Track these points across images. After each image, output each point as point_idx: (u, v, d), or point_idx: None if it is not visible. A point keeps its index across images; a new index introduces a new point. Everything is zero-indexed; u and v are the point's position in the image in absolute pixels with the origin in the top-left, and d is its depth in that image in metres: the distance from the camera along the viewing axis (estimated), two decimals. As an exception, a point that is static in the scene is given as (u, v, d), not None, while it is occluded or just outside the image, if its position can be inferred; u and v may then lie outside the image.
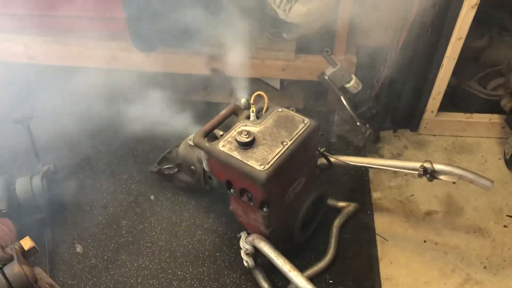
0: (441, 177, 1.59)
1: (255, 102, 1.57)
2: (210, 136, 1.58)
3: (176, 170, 1.92)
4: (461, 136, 2.20)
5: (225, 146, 1.44)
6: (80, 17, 2.08)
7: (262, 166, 1.36)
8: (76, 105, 2.24)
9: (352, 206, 1.90)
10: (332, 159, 1.72)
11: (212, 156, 1.46)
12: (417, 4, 1.83)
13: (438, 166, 1.59)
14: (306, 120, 1.51)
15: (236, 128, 1.49)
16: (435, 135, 2.22)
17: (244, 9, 1.92)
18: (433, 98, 2.07)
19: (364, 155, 2.15)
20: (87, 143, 2.19)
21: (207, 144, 1.47)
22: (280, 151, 1.41)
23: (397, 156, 2.14)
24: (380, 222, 1.87)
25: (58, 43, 2.18)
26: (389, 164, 1.67)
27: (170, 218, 1.90)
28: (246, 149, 1.42)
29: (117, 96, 2.17)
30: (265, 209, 1.44)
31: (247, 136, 1.43)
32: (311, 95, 2.41)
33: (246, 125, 1.51)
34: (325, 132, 2.23)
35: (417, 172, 1.59)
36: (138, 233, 1.85)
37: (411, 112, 2.18)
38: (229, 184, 1.49)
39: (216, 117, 1.57)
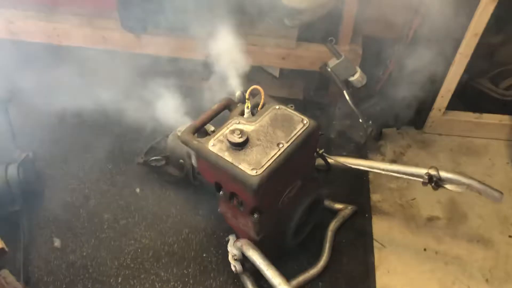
0: (447, 186, 1.48)
1: (251, 96, 1.44)
2: (201, 131, 1.46)
3: (163, 162, 1.80)
4: (468, 137, 2.08)
5: (215, 145, 1.32)
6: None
7: (255, 171, 1.24)
8: (60, 89, 2.09)
9: (349, 208, 1.79)
10: (330, 161, 1.61)
11: (201, 156, 1.34)
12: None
13: (444, 174, 1.47)
14: (305, 120, 1.38)
15: (228, 126, 1.36)
16: (440, 135, 2.09)
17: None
18: (442, 96, 1.94)
19: (365, 153, 2.03)
20: (71, 130, 2.05)
21: (196, 143, 1.34)
22: (275, 154, 1.29)
23: (399, 156, 2.02)
24: (379, 227, 1.77)
25: (43, 19, 2.01)
26: (392, 168, 1.55)
27: (156, 214, 1.79)
28: (238, 150, 1.30)
29: (105, 80, 2.02)
30: (256, 215, 1.33)
31: (240, 135, 1.30)
32: (312, 85, 2.27)
33: (239, 123, 1.38)
34: (324, 127, 2.11)
35: (421, 180, 1.48)
36: (121, 229, 1.74)
37: (417, 109, 2.05)
38: (218, 186, 1.37)
39: (207, 111, 1.44)
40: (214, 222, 1.75)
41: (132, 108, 1.83)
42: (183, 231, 1.73)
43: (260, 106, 1.44)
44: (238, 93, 1.57)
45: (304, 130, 1.35)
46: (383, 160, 2.01)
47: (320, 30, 1.88)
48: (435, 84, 1.93)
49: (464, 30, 1.71)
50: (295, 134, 1.34)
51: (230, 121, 1.39)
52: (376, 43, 2.00)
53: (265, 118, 1.39)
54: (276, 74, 2.29)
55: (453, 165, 1.98)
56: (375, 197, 1.86)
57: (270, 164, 1.26)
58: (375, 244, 1.71)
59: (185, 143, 1.37)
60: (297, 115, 1.40)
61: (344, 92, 1.87)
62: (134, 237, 1.71)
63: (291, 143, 1.32)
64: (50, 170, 1.88)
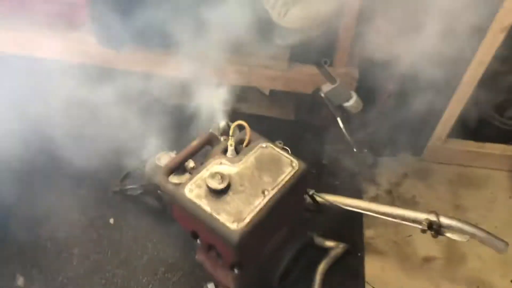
0: (448, 234, 1.36)
1: (235, 133, 1.29)
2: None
3: (140, 192, 1.66)
4: (470, 166, 1.95)
5: (192, 191, 1.17)
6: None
7: (236, 224, 1.10)
8: (32, 102, 1.92)
9: (341, 247, 1.65)
10: (321, 200, 1.47)
11: (176, 203, 1.19)
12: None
13: (445, 221, 1.35)
14: (295, 162, 1.23)
15: (208, 167, 1.22)
16: (440, 163, 1.96)
17: (232, 7, 1.61)
18: (443, 124, 1.81)
19: (359, 183, 1.90)
20: (40, 146, 1.88)
21: (170, 187, 1.20)
22: (259, 203, 1.14)
23: (395, 186, 1.89)
24: (371, 267, 1.64)
25: (12, 28, 1.84)
26: (388, 212, 1.42)
27: (131, 249, 1.64)
28: (219, 197, 1.15)
29: (85, 95, 1.85)
30: (236, 270, 1.18)
31: (220, 181, 1.15)
32: (305, 106, 2.12)
33: (221, 163, 1.23)
34: (317, 152, 1.97)
35: (420, 227, 1.35)
36: (91, 266, 1.59)
37: (415, 136, 1.91)
38: (195, 235, 1.23)
39: (185, 148, 1.29)
40: (193, 260, 1.58)
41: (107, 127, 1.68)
42: (159, 270, 1.59)
43: (245, 143, 1.30)
44: (222, 123, 1.43)
45: (292, 174, 1.21)
46: (377, 191, 1.88)
47: (314, 50, 1.73)
48: (436, 111, 1.79)
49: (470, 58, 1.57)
50: (283, 179, 1.19)
51: (211, 160, 1.24)
52: (375, 65, 1.85)
53: (250, 159, 1.24)
54: (266, 91, 2.14)
55: (452, 197, 1.86)
56: (368, 232, 1.73)
57: (253, 216, 1.12)
58: (367, 287, 1.58)
59: (159, 185, 1.22)
60: (286, 156, 1.25)
61: (338, 119, 1.73)
62: (106, 276, 1.56)
63: (277, 190, 1.17)
64: (13, 195, 1.71)
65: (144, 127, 1.65)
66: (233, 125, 1.27)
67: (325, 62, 1.72)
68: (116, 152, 1.76)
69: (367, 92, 1.80)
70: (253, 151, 1.26)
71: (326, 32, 1.70)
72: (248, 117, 1.98)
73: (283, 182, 1.19)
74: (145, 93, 1.71)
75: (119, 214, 1.72)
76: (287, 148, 1.39)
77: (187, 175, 1.36)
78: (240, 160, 1.24)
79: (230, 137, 1.27)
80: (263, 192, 1.16)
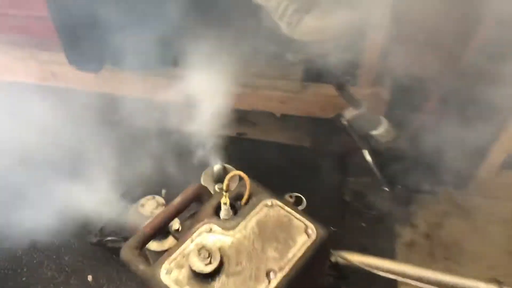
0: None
1: (231, 186, 0.98)
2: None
3: (122, 243, 1.35)
4: (526, 203, 1.60)
5: (171, 272, 0.86)
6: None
7: (229, 326, 0.78)
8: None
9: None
10: (341, 260, 1.14)
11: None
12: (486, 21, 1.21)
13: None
14: (311, 228, 0.91)
15: (194, 236, 0.90)
16: (490, 198, 1.61)
17: (232, 18, 1.31)
18: (496, 152, 1.46)
19: (390, 224, 1.57)
20: (12, 188, 1.60)
21: (141, 268, 0.88)
22: (262, 292, 0.82)
23: (435, 228, 1.56)
24: None
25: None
26: (435, 279, 1.08)
27: (112, 314, 1.34)
28: (206, 283, 0.84)
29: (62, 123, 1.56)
30: None
31: (208, 260, 0.84)
32: (322, 129, 1.79)
33: (211, 230, 0.91)
34: (336, 185, 1.64)
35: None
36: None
37: (459, 166, 1.56)
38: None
39: (165, 209, 0.98)
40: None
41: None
42: None
43: (244, 200, 0.98)
44: (217, 167, 1.12)
45: (308, 246, 0.89)
46: (413, 234, 1.55)
47: (333, 67, 1.40)
48: (486, 136, 1.45)
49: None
50: (295, 255, 0.87)
51: (198, 226, 0.93)
52: (410, 84, 1.52)
53: (250, 223, 0.92)
54: (278, 113, 1.81)
55: (508, 242, 1.51)
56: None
57: (253, 314, 0.80)
58: None
59: (126, 263, 0.91)
60: (299, 219, 0.93)
61: (365, 152, 1.40)
62: None
63: (288, 271, 0.85)
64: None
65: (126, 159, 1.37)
66: (228, 177, 0.95)
67: (347, 82, 1.40)
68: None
69: (400, 116, 1.47)
70: (254, 212, 0.94)
71: (347, 45, 1.37)
72: (255, 144, 1.68)
73: (295, 259, 0.87)
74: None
75: (98, 270, 1.43)
76: (302, 197, 1.08)
77: (170, 240, 1.06)
78: (237, 225, 0.92)
79: (223, 194, 0.95)
80: (267, 275, 0.85)
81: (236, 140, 1.73)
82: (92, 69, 1.42)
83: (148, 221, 0.98)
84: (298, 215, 0.94)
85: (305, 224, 0.92)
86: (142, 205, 1.29)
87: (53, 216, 1.46)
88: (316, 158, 1.73)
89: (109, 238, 1.38)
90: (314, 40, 1.34)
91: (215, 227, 0.92)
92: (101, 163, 1.38)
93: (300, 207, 1.07)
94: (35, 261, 1.45)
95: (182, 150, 1.36)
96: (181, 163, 1.39)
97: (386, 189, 1.45)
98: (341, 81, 1.39)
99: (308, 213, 1.10)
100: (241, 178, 0.98)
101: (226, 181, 0.95)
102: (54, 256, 1.46)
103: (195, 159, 1.30)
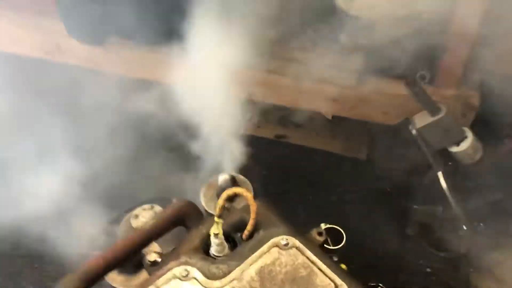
0: None
1: (230, 205, 0.68)
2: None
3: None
4: None
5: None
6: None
7: None
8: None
9: None
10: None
11: None
12: None
13: None
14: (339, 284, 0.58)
15: (158, 284, 0.60)
16: None
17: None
18: None
19: (466, 273, 1.20)
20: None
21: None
22: None
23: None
24: None
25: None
26: None
27: None
28: None
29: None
30: None
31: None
32: (382, 139, 1.45)
33: (187, 277, 0.61)
34: (395, 214, 1.31)
35: None
36: None
37: None
38: None
39: (131, 234, 0.70)
40: None
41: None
42: None
43: (246, 233, 0.66)
44: (222, 178, 0.83)
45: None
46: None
47: (403, 58, 1.06)
48: None
49: None
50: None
51: (170, 266, 0.62)
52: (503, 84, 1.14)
53: (249, 272, 0.62)
54: (329, 115, 1.49)
55: None
56: None
57: None
58: None
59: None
60: (323, 271, 0.61)
61: (439, 173, 1.05)
62: None
63: None
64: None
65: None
66: (223, 195, 0.65)
67: (422, 78, 1.06)
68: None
69: (491, 130, 1.10)
70: (258, 254, 0.63)
71: (425, 28, 1.03)
72: (295, 151, 1.43)
73: None
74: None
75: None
76: (341, 230, 0.77)
77: (144, 274, 0.77)
78: (229, 272, 0.61)
79: (215, 220, 0.64)
80: None
81: (273, 144, 1.44)
82: (93, 42, 1.19)
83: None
84: (323, 267, 0.61)
85: (334, 283, 0.59)
86: (136, 216, 1.02)
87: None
88: (371, 176, 1.39)
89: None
90: (378, 17, 1.01)
91: (194, 272, 0.61)
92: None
93: (334, 247, 0.75)
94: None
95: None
96: (194, 164, 1.11)
97: (463, 226, 1.09)
98: (414, 76, 1.05)
99: (348, 255, 0.78)
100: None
101: (220, 202, 0.64)
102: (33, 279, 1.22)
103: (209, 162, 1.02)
